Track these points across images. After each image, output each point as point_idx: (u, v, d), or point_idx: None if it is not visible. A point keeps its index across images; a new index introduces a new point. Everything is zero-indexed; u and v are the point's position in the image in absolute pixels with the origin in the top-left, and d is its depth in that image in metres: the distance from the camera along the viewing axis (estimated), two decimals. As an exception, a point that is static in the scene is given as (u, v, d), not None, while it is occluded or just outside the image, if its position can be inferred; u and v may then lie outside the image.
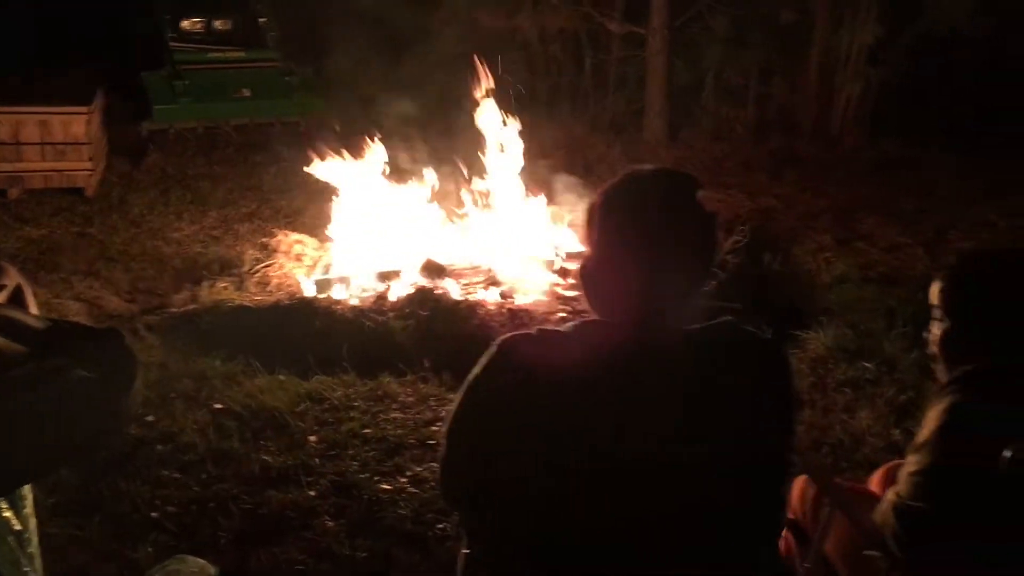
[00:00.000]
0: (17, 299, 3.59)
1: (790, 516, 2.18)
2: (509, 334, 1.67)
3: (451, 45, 7.85)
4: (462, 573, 1.89)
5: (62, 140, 6.48)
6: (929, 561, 1.73)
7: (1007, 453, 1.64)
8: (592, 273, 1.65)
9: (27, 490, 2.51)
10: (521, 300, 4.80)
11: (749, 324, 1.68)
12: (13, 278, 3.76)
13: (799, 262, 5.56)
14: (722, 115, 8.31)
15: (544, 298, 4.83)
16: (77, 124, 6.50)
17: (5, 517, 2.32)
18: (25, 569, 2.38)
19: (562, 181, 5.95)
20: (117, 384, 2.35)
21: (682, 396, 1.59)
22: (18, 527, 2.37)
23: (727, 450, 1.58)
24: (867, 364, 4.19)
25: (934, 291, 1.98)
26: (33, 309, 3.74)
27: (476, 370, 1.65)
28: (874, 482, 2.21)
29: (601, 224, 1.66)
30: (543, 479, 1.60)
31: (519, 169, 5.59)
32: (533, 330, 1.66)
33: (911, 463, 1.80)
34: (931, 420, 1.82)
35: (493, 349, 1.64)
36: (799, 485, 2.16)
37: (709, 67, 8.18)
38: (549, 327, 1.68)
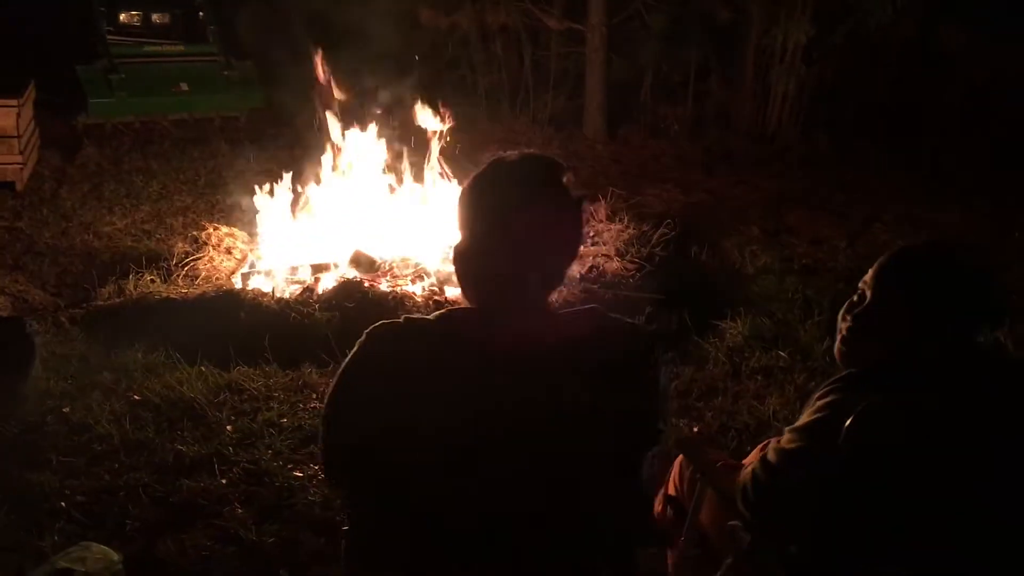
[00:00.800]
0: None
1: (670, 492, 2.25)
2: (379, 322, 1.73)
3: (389, 41, 7.88)
4: (344, 551, 1.94)
5: (-9, 133, 6.40)
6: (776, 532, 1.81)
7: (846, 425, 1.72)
8: (462, 258, 1.71)
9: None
10: (450, 292, 4.85)
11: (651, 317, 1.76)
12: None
13: (726, 255, 5.68)
14: (659, 112, 8.42)
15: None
16: (6, 117, 6.41)
17: None
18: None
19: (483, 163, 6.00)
20: (11, 370, 2.37)
21: (544, 374, 1.65)
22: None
23: (587, 428, 1.65)
24: (781, 352, 4.31)
25: (872, 270, 1.95)
26: (-58, 301, 3.70)
27: (348, 357, 1.70)
28: (751, 458, 2.29)
29: (469, 210, 1.72)
30: (409, 458, 1.66)
31: (438, 163, 5.65)
32: (400, 317, 1.73)
33: (784, 440, 1.87)
34: (813, 409, 1.87)
35: (363, 337, 1.70)
36: (677, 464, 2.24)
37: (647, 64, 8.28)
38: (416, 315, 1.74)
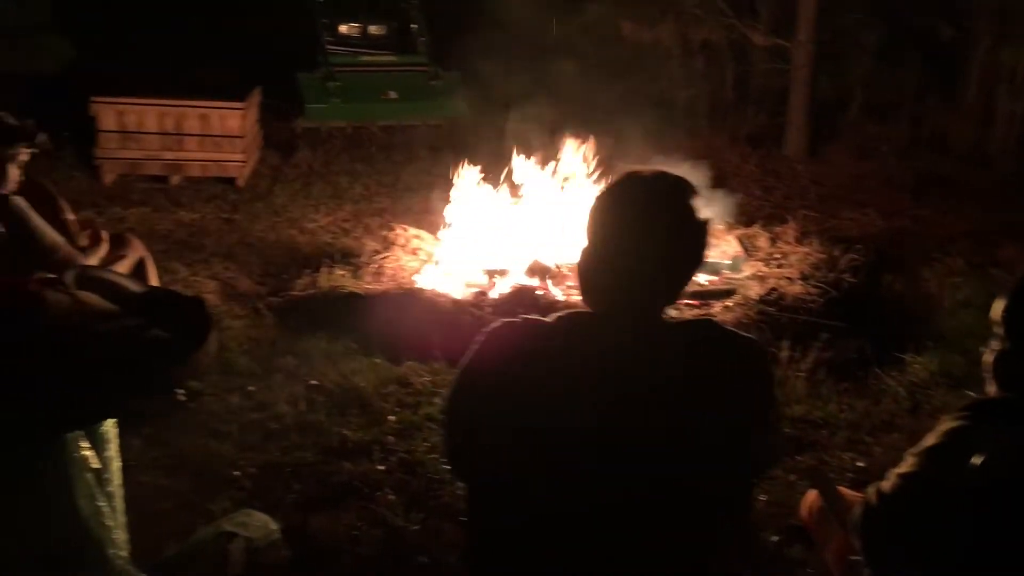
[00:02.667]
0: (139, 269, 3.97)
1: (800, 523, 2.17)
2: (499, 321, 1.79)
3: (592, 54, 7.98)
4: (464, 544, 2.00)
5: (219, 133, 7.02)
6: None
7: (975, 460, 1.60)
8: (586, 267, 1.76)
9: (112, 435, 2.82)
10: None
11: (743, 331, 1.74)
12: (137, 251, 4.14)
13: (922, 285, 5.34)
14: (868, 132, 8.01)
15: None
16: (233, 118, 7.02)
17: (85, 455, 2.62)
18: (100, 504, 2.67)
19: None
20: (186, 345, 2.61)
21: (661, 381, 1.66)
22: (97, 465, 2.67)
23: (698, 433, 1.64)
24: (970, 393, 3.99)
25: (997, 309, 1.89)
26: (153, 280, 4.11)
27: (468, 354, 1.77)
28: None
29: (597, 218, 1.76)
30: (524, 455, 1.70)
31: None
32: (519, 317, 1.78)
33: (904, 464, 1.77)
34: (938, 434, 1.78)
35: (481, 336, 1.76)
36: (809, 497, 2.15)
37: (856, 82, 7.91)
38: (534, 316, 1.78)
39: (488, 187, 5.66)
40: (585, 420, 1.65)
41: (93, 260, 3.29)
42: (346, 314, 4.71)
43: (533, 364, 1.71)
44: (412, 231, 5.76)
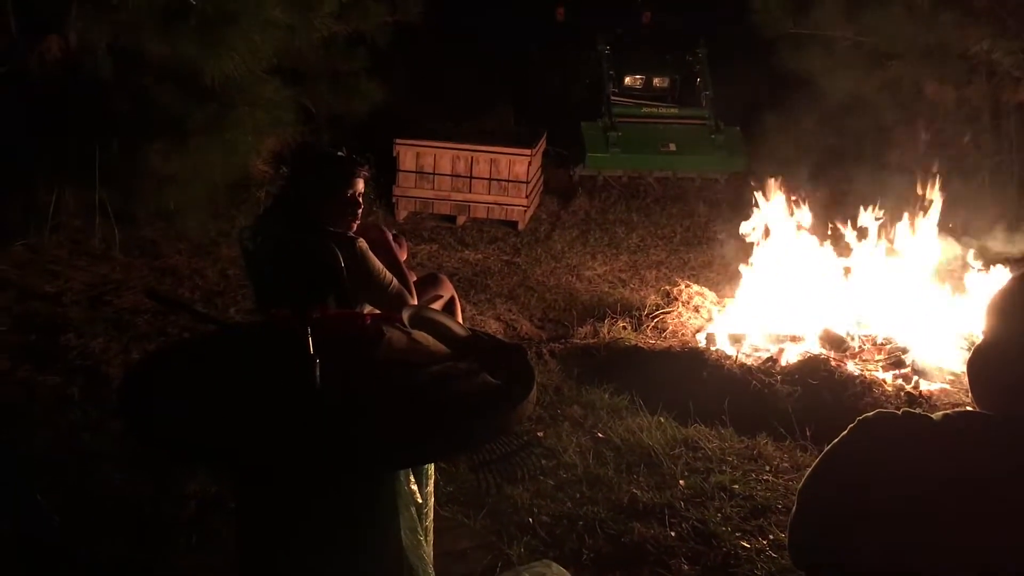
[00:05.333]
0: (450, 308, 4.16)
1: None
2: (875, 411, 1.67)
3: (889, 112, 7.57)
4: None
5: (506, 177, 7.29)
6: None
7: None
8: (983, 358, 1.62)
9: (431, 472, 2.92)
10: (925, 386, 4.50)
11: None
12: (449, 291, 4.34)
13: None
14: None
15: (951, 388, 4.48)
16: (520, 164, 7.28)
17: (412, 489, 2.73)
18: (419, 538, 2.77)
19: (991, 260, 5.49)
20: (514, 392, 2.66)
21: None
22: (419, 500, 2.77)
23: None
24: None
25: None
26: (460, 319, 4.28)
27: (836, 440, 1.67)
28: None
29: (1002, 309, 1.61)
30: (883, 558, 1.57)
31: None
32: (899, 411, 1.66)
33: None
34: None
35: (854, 423, 1.66)
36: None
37: None
38: (916, 411, 1.65)
39: (779, 247, 5.47)
40: (973, 541, 1.49)
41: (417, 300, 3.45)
42: (629, 367, 4.69)
43: (907, 461, 1.57)
44: (695, 287, 5.67)
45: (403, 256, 3.45)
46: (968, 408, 1.66)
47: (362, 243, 3.18)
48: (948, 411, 1.65)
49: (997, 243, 6.52)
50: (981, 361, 1.62)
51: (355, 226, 3.30)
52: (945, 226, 5.59)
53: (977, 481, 1.51)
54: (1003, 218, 6.92)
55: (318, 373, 2.22)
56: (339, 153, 3.25)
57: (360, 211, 3.28)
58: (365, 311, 3.08)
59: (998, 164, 7.87)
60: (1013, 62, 7.31)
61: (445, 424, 2.30)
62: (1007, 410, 1.57)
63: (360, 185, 3.29)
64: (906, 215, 5.40)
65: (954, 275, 5.50)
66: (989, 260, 5.49)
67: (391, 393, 2.41)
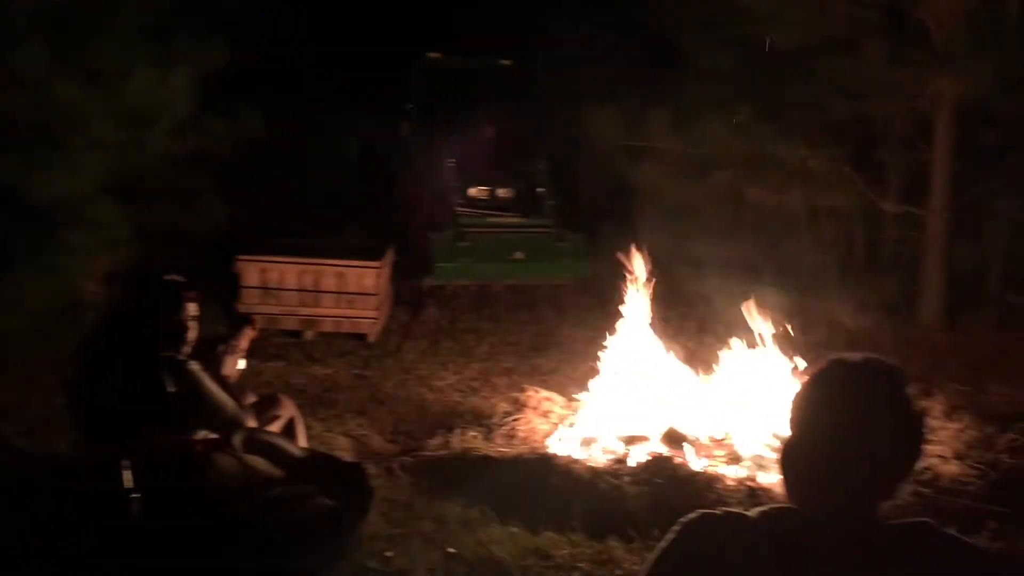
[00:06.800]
0: (289, 429, 4.02)
1: None
2: (697, 512, 1.71)
3: (716, 219, 8.03)
4: None
5: (354, 290, 7.26)
6: None
7: None
8: (790, 455, 1.69)
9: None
10: (764, 479, 4.66)
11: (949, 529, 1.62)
12: (288, 410, 4.21)
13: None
14: (1009, 303, 7.71)
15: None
16: (368, 277, 7.27)
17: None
18: None
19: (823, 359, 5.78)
20: (351, 514, 2.58)
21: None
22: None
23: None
24: None
25: None
26: (302, 440, 4.15)
27: (662, 542, 1.70)
28: None
29: (803, 407, 1.70)
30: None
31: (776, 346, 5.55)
32: (719, 510, 1.70)
33: None
34: None
35: (678, 525, 1.69)
36: None
37: (993, 251, 7.70)
38: (736, 509, 1.70)
39: (622, 349, 5.62)
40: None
41: (252, 421, 3.35)
42: (480, 478, 4.65)
43: (729, 561, 1.62)
44: (543, 392, 5.73)
45: (251, 337, 3.40)
46: (780, 505, 1.71)
47: (193, 366, 3.07)
48: (765, 507, 1.71)
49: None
50: (788, 457, 1.70)
51: (187, 350, 3.20)
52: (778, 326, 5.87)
53: (785, 572, 1.57)
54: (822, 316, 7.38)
55: (135, 508, 2.11)
56: (167, 277, 3.17)
57: (192, 335, 3.19)
58: (200, 436, 2.96)
59: (818, 265, 8.43)
60: (826, 169, 7.95)
61: (270, 552, 2.22)
62: (814, 503, 1.64)
63: (191, 308, 3.21)
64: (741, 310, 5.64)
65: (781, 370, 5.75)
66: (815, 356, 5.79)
67: (216, 524, 2.31)
